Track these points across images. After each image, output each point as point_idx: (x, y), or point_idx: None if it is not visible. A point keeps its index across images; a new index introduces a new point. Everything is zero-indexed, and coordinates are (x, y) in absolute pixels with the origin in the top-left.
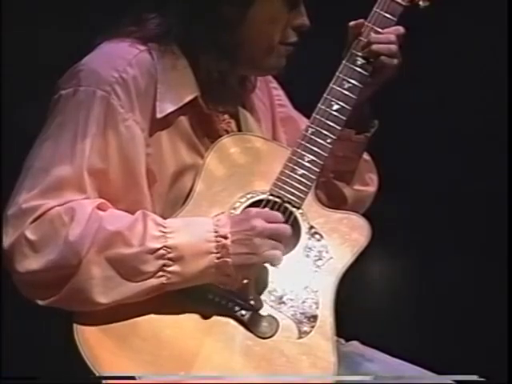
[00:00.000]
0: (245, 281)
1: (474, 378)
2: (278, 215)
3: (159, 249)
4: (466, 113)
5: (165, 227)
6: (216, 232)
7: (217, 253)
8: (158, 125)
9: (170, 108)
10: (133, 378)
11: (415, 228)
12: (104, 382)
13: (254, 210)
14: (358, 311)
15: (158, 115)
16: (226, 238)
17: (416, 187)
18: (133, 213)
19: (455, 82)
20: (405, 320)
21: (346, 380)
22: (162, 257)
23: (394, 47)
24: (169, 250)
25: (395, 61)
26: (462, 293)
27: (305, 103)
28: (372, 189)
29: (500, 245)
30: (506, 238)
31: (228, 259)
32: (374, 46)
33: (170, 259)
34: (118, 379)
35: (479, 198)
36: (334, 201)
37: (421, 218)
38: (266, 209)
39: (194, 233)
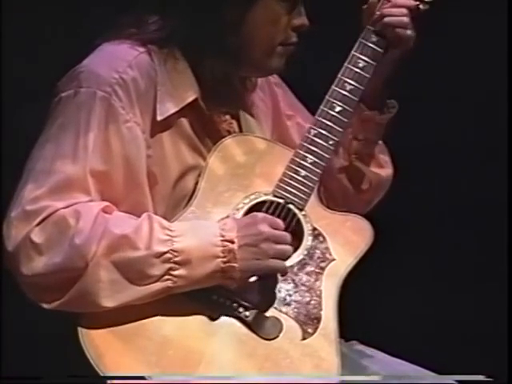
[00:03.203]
0: (252, 278)
1: (476, 378)
2: (281, 222)
3: (166, 252)
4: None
5: (171, 230)
6: (222, 236)
7: (223, 257)
8: (158, 126)
9: (171, 110)
10: (140, 378)
11: (416, 228)
12: (109, 382)
13: (260, 214)
14: (359, 311)
15: (159, 117)
16: (232, 242)
17: (416, 187)
18: (135, 214)
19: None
20: (405, 320)
21: (349, 380)
22: (168, 260)
23: (405, 19)
24: (175, 253)
25: (408, 32)
26: (463, 292)
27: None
28: (388, 170)
29: (500, 244)
30: (507, 237)
31: (235, 264)
32: (387, 19)
33: (176, 263)
34: (125, 379)
35: (480, 197)
36: (358, 184)
37: (420, 219)
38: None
39: (201, 236)
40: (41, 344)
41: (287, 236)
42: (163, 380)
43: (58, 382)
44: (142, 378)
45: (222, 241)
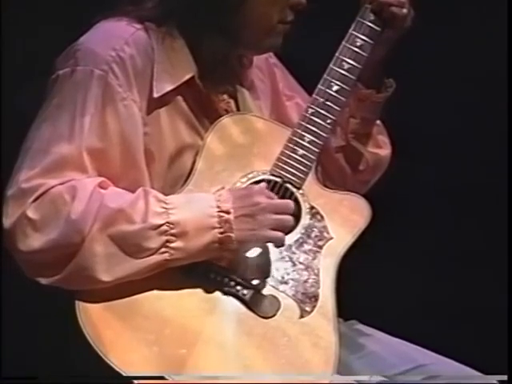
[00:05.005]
0: (247, 253)
1: None
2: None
3: (162, 225)
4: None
5: (166, 203)
6: (218, 207)
7: (220, 228)
8: (155, 104)
9: (168, 87)
10: (160, 378)
11: (416, 212)
12: (136, 382)
13: (256, 186)
14: (359, 290)
15: (155, 95)
16: (228, 212)
17: (415, 167)
18: (132, 192)
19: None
20: (405, 301)
21: (367, 381)
22: (164, 233)
23: None
24: (171, 225)
25: (404, 10)
26: (463, 286)
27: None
28: (387, 151)
29: (501, 223)
30: (507, 217)
31: (231, 234)
32: None
33: (172, 235)
34: (144, 379)
35: (481, 189)
36: (355, 165)
37: (422, 201)
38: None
39: (197, 208)
40: (40, 344)
41: (289, 204)
42: (183, 380)
43: (60, 382)
44: (162, 377)
45: (218, 212)
